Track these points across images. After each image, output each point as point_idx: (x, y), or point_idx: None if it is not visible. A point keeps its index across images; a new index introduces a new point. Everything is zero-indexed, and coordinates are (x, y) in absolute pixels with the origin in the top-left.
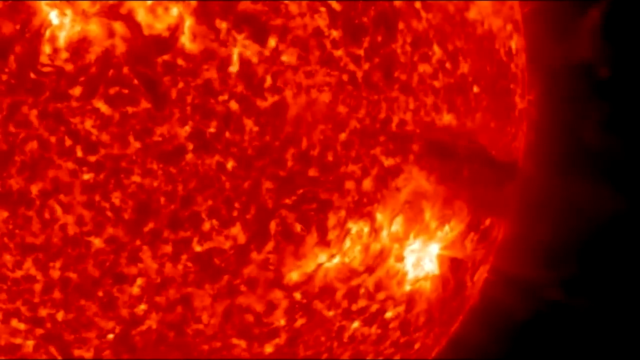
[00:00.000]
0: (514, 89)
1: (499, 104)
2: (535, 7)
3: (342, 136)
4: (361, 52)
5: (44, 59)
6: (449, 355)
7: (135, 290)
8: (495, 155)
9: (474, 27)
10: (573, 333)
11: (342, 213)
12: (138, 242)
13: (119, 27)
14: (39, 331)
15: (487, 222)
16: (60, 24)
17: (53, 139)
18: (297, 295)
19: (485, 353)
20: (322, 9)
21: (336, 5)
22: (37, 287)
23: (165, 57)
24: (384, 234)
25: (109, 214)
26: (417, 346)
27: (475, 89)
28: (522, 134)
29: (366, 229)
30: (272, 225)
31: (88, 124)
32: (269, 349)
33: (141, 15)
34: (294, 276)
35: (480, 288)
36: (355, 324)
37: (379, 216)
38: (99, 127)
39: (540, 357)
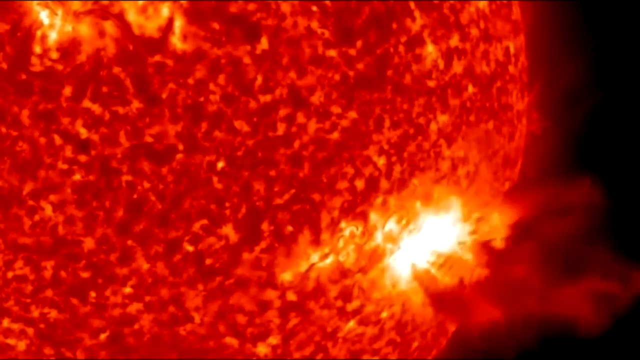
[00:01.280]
0: (511, 89)
1: (495, 104)
2: (536, 8)
3: (335, 135)
4: (354, 52)
5: (34, 59)
6: (449, 355)
7: (128, 290)
8: (492, 155)
9: (469, 28)
10: (572, 333)
11: (335, 213)
12: (129, 242)
13: (109, 27)
14: (32, 331)
15: (485, 220)
16: (51, 24)
17: (43, 139)
18: (290, 295)
19: (485, 353)
20: (315, 9)
21: (329, 5)
22: (29, 287)
23: (156, 57)
24: (378, 234)
25: (100, 213)
26: (414, 346)
27: (471, 89)
28: (520, 134)
29: (360, 229)
30: (265, 225)
31: (79, 124)
32: (262, 348)
33: (132, 16)
34: (286, 276)
35: (478, 287)
36: (351, 324)
37: (372, 216)
38: (89, 127)
39: (540, 356)
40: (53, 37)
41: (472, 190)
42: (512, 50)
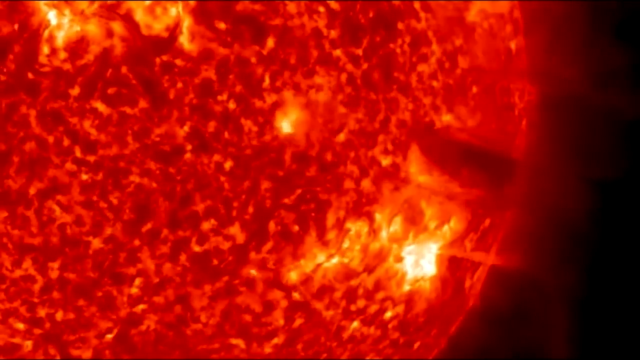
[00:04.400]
0: (513, 89)
1: (498, 103)
2: (536, 7)
3: (341, 136)
4: (360, 52)
5: (42, 59)
6: (449, 355)
7: (134, 290)
8: (495, 155)
9: (473, 27)
10: (573, 333)
11: (341, 213)
12: (136, 242)
13: (117, 27)
14: (38, 331)
15: (487, 222)
16: (59, 24)
17: (51, 139)
18: (296, 295)
19: (485, 353)
20: (321, 9)
21: (335, 5)
22: (36, 287)
23: (164, 57)
24: (383, 234)
25: (107, 214)
26: (416, 346)
27: (475, 89)
28: (522, 134)
29: (365, 229)
30: (271, 225)
31: (86, 124)
32: (267, 349)
33: (140, 15)
34: (292, 276)
35: (480, 288)
36: (355, 324)
37: (377, 216)
38: (97, 127)
39: (540, 356)
40: (61, 37)
41: (475, 189)
42: (513, 50)
